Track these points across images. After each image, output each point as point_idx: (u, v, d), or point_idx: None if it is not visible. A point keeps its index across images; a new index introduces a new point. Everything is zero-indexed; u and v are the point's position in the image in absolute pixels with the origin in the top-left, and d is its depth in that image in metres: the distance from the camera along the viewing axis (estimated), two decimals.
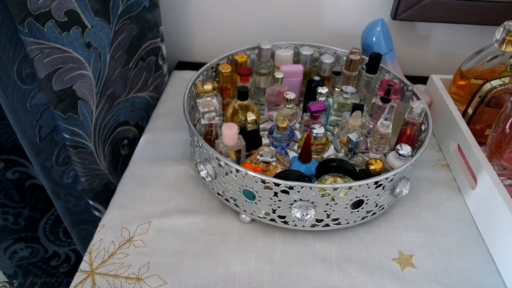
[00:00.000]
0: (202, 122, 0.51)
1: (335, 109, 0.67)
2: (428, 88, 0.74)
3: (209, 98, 0.52)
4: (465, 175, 0.60)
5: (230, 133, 0.50)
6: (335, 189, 0.46)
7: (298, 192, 0.46)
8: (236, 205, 0.53)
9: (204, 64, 0.65)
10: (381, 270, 0.49)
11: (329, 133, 0.67)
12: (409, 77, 0.72)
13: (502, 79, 0.59)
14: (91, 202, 0.70)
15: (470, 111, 0.63)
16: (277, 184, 0.46)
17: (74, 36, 0.51)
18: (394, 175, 0.48)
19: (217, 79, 0.68)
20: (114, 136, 0.69)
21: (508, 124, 0.54)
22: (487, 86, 0.60)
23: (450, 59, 0.73)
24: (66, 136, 0.56)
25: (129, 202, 0.56)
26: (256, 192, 0.48)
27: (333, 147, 0.64)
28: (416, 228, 0.54)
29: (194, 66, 0.84)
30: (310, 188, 0.45)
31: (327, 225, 0.51)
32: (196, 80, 0.62)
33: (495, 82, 0.60)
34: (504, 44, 0.61)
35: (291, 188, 0.46)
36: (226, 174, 0.49)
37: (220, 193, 0.54)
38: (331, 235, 0.52)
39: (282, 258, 0.50)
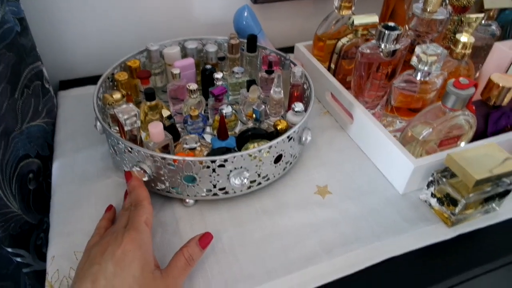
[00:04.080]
0: (126, 128, 0.54)
1: (232, 89, 0.75)
2: (296, 54, 0.89)
3: (124, 105, 0.55)
4: (343, 115, 0.76)
5: (157, 131, 0.54)
6: (260, 151, 0.55)
7: (232, 162, 0.54)
8: (178, 192, 0.58)
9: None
10: (309, 203, 0.61)
11: (234, 110, 0.75)
12: (280, 49, 0.85)
13: (348, 36, 0.76)
14: (10, 250, 0.65)
15: (332, 66, 0.79)
16: (213, 161, 0.53)
17: None
18: (299, 127, 0.60)
19: (115, 88, 0.70)
20: (18, 173, 0.65)
21: (361, 69, 0.71)
22: (339, 44, 0.76)
23: (308, 28, 0.89)
24: None
25: (70, 228, 0.56)
26: (196, 174, 0.54)
27: (240, 121, 0.73)
28: (322, 164, 0.68)
29: (78, 82, 0.83)
30: (241, 155, 0.54)
31: (260, 183, 0.60)
32: (98, 94, 0.63)
33: (344, 40, 0.76)
34: (341, 9, 0.78)
35: (225, 160, 0.53)
36: (164, 167, 0.54)
37: (160, 188, 0.58)
38: (264, 191, 0.62)
39: (232, 222, 0.58)
